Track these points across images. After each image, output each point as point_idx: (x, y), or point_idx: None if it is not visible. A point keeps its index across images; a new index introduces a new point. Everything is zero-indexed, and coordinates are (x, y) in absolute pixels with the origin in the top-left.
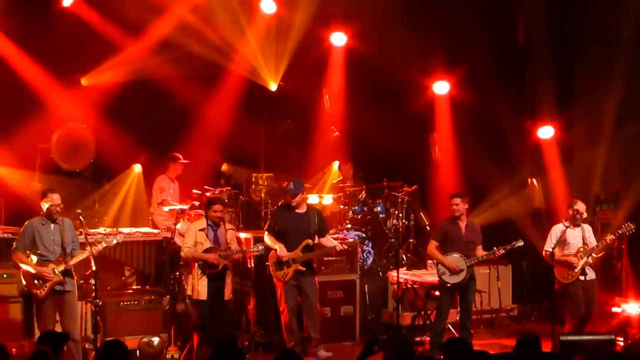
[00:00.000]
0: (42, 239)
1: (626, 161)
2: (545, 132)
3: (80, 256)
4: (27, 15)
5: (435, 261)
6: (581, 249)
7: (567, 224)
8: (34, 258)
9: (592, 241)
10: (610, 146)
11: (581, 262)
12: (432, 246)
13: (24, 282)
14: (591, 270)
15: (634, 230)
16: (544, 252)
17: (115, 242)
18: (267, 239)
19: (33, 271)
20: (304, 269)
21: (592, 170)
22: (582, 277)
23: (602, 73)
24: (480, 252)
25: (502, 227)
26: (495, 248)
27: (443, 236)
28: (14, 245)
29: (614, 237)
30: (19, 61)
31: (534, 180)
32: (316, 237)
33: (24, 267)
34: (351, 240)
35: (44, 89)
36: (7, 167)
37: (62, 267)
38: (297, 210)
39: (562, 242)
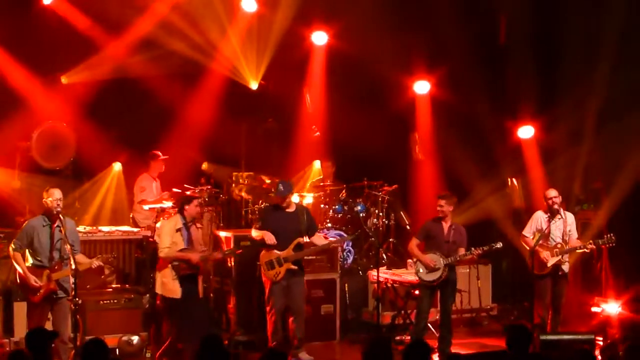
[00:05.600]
0: (40, 243)
1: (607, 161)
2: (526, 132)
3: (64, 272)
4: (8, 13)
5: (414, 259)
6: (559, 246)
7: (547, 215)
8: (30, 260)
9: (574, 233)
10: (591, 146)
11: (554, 259)
12: (413, 243)
13: (19, 282)
14: (564, 266)
15: (614, 244)
16: (521, 237)
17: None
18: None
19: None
20: (295, 267)
21: (573, 170)
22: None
23: (583, 73)
24: (460, 253)
25: (483, 226)
26: (473, 249)
27: (425, 235)
28: (14, 245)
29: (594, 247)
30: None
31: (514, 180)
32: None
33: (19, 269)
34: (336, 237)
35: (24, 87)
36: None
37: (55, 275)
38: (286, 210)
39: (542, 231)
